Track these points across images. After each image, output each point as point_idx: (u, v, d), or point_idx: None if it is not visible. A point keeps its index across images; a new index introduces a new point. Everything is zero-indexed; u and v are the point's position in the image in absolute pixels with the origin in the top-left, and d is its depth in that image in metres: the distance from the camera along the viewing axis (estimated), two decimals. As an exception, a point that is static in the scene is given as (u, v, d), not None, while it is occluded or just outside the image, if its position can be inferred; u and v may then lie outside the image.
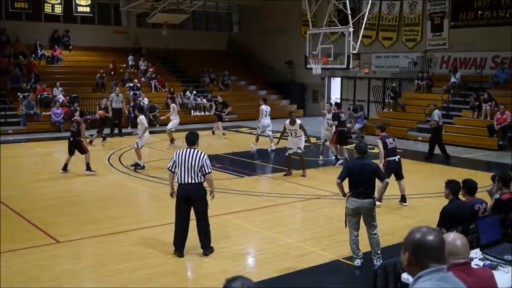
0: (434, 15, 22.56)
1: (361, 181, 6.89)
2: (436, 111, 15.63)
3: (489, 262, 4.63)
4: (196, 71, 28.51)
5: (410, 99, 21.85)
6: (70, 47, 26.63)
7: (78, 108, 21.55)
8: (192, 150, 7.29)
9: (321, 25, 19.27)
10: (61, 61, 25.58)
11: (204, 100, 25.46)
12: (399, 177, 10.29)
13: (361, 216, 7.02)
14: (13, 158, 15.70)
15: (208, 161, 7.26)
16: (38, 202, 10.48)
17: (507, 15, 20.06)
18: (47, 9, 25.75)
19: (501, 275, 4.35)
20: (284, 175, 13.01)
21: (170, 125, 17.65)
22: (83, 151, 12.91)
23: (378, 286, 4.94)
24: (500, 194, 6.34)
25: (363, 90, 25.45)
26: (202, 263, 7.24)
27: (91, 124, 20.39)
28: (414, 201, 10.58)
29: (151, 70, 26.34)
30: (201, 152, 7.28)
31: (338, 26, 18.21)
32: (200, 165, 7.15)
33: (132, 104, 22.47)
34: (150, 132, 15.19)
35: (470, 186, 6.19)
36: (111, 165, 14.34)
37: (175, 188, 7.46)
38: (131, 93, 23.52)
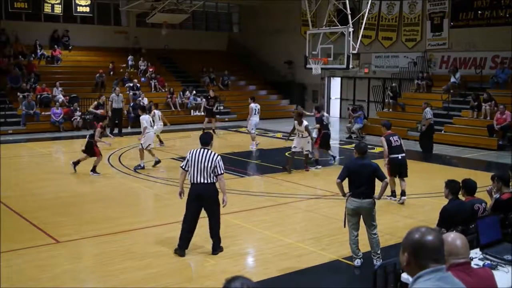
0: (434, 15, 22.57)
1: (361, 181, 6.89)
2: (428, 109, 15.72)
3: (489, 262, 4.64)
4: (196, 71, 28.51)
5: (410, 99, 21.85)
6: (70, 47, 26.64)
7: (78, 108, 21.69)
8: (206, 150, 7.32)
9: (321, 25, 19.24)
10: (60, 61, 25.59)
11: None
12: (402, 174, 10.33)
13: (361, 216, 7.03)
14: (13, 158, 15.71)
15: (221, 163, 7.29)
16: (38, 202, 10.48)
17: (507, 15, 20.05)
18: (47, 9, 25.75)
19: (501, 275, 4.35)
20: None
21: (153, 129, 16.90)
22: (94, 154, 12.93)
23: (378, 286, 4.95)
24: (500, 194, 6.35)
25: (363, 90, 25.48)
26: (202, 263, 7.25)
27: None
28: (414, 201, 10.58)
29: (151, 70, 26.34)
30: (215, 153, 7.32)
31: (338, 26, 18.18)
32: (213, 166, 7.18)
33: (132, 104, 22.48)
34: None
35: (469, 186, 6.19)
36: (111, 165, 14.34)
37: (183, 188, 7.54)
38: (131, 93, 23.53)
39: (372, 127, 20.04)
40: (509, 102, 17.90)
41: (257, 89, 29.31)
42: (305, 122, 13.10)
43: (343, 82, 26.80)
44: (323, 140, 14.16)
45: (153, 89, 25.65)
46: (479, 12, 20.96)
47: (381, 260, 6.73)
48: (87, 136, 13.30)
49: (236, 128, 22.54)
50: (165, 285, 6.48)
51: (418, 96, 21.49)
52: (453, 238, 3.18)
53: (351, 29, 16.56)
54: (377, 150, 15.99)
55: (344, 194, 7.15)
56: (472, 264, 3.56)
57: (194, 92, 25.68)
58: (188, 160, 7.33)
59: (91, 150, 12.93)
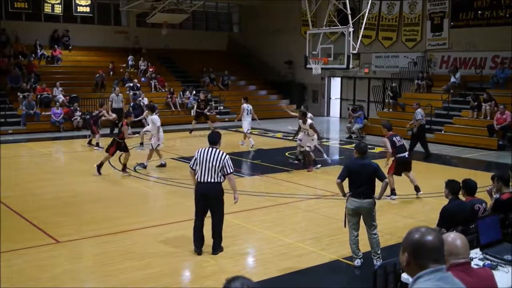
0: (434, 15, 22.57)
1: (361, 181, 6.89)
2: (419, 110, 15.65)
3: (489, 262, 4.64)
4: (196, 71, 28.51)
5: (410, 99, 21.79)
6: (70, 47, 26.64)
7: (78, 108, 21.67)
8: (214, 149, 7.32)
9: (321, 25, 19.24)
10: (61, 61, 25.59)
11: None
12: (407, 169, 10.79)
13: (361, 216, 7.03)
14: (13, 158, 15.71)
15: (230, 162, 7.29)
16: (38, 202, 10.48)
17: (507, 15, 20.05)
18: (47, 9, 25.76)
19: (501, 275, 4.35)
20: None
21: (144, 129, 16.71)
22: (125, 149, 13.06)
23: (378, 286, 4.95)
24: (500, 194, 6.35)
25: (363, 90, 25.48)
26: (202, 263, 7.24)
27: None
28: (414, 201, 10.63)
29: (151, 70, 26.34)
30: (223, 152, 7.32)
31: (338, 26, 18.19)
32: (221, 165, 7.18)
33: (132, 104, 22.48)
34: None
35: (470, 186, 6.19)
36: (111, 165, 14.32)
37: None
38: (131, 93, 23.52)
39: (372, 127, 20.05)
40: (509, 102, 17.90)
41: (257, 89, 29.32)
42: (309, 121, 13.09)
43: (343, 82, 26.81)
44: None
45: (153, 89, 25.65)
46: (479, 12, 20.96)
47: (381, 260, 6.73)
48: (113, 136, 13.36)
49: (236, 128, 22.50)
50: (165, 285, 6.48)
51: (418, 96, 21.47)
52: (453, 238, 3.18)
53: (351, 29, 16.57)
54: (377, 150, 16.01)
55: (344, 194, 7.15)
56: (472, 264, 3.55)
57: (194, 92, 25.67)
58: (196, 159, 7.33)
59: (120, 147, 12.99)
